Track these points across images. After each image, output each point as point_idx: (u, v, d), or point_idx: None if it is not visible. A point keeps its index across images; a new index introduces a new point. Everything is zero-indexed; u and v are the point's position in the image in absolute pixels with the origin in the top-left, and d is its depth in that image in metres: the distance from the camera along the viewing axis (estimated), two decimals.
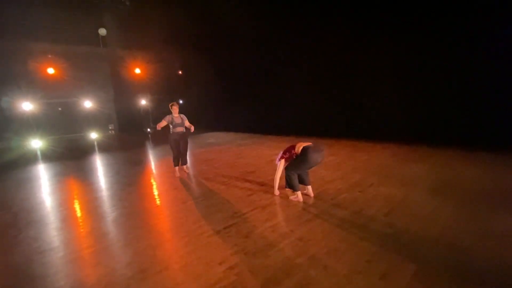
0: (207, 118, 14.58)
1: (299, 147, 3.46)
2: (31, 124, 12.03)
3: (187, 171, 5.62)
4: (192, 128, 5.35)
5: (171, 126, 5.19)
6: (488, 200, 3.21)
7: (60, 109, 13.91)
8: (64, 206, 4.06)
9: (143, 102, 15.31)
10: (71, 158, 8.47)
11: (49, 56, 12.36)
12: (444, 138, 6.78)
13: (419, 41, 6.79)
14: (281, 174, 3.72)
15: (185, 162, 5.47)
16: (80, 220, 3.52)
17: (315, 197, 3.64)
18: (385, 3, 7.14)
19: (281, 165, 3.69)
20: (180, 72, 15.86)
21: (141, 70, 14.22)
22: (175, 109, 5.22)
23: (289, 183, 3.55)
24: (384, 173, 4.61)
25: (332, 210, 3.22)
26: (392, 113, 7.60)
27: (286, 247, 2.46)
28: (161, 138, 12.04)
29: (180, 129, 5.23)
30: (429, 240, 2.44)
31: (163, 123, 5.07)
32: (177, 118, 5.22)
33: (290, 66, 9.96)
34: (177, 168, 5.41)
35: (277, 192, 3.83)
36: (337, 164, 5.42)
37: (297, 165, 3.48)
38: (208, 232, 2.87)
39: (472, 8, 5.83)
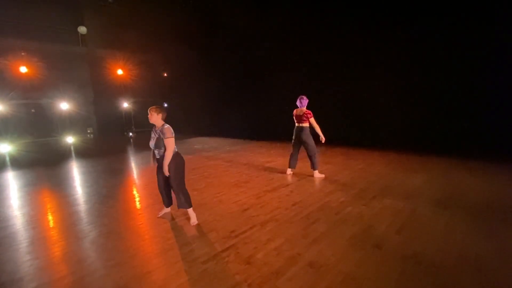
0: (192, 123, 14.09)
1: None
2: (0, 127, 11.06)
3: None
4: (167, 165, 3.05)
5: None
6: (498, 214, 3.08)
7: (33, 110, 12.93)
8: (34, 224, 3.54)
9: (125, 104, 14.58)
10: (44, 164, 7.75)
11: (22, 53, 11.46)
12: (435, 146, 6.78)
13: (410, 46, 6.79)
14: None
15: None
16: (52, 242, 3.03)
17: (318, 210, 3.37)
18: (381, 6, 7.09)
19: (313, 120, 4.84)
20: (165, 74, 15.28)
21: (123, 71, 13.55)
22: (150, 116, 3.08)
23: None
24: (384, 183, 4.43)
25: (339, 227, 2.95)
26: (384, 120, 7.55)
27: (296, 276, 2.15)
28: (145, 142, 11.42)
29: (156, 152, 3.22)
30: (452, 263, 2.22)
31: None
32: (153, 133, 3.19)
33: (279, 69, 9.76)
34: (166, 209, 3.59)
35: (323, 139, 4.77)
36: (334, 173, 5.21)
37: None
38: (203, 256, 2.50)
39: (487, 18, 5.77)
